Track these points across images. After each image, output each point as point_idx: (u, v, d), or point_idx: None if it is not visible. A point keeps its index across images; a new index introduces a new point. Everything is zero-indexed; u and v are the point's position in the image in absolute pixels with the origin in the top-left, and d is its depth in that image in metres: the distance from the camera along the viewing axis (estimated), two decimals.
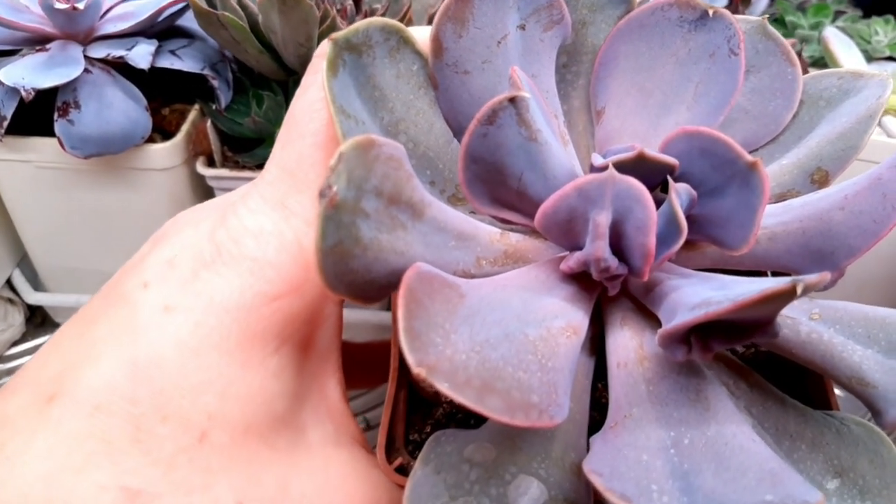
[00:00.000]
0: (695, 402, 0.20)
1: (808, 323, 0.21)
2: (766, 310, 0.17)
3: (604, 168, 0.21)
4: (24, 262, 0.59)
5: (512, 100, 0.19)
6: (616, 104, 0.24)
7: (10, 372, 0.57)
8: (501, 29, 0.23)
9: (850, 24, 0.60)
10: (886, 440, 0.20)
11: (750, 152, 0.26)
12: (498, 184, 0.21)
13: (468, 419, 0.25)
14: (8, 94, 0.44)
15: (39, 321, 0.61)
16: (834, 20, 0.61)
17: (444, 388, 0.16)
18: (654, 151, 0.20)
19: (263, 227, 0.21)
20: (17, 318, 0.59)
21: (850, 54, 0.54)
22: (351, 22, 0.47)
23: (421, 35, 0.23)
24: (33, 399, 0.19)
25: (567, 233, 0.21)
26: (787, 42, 0.27)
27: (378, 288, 0.20)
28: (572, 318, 0.20)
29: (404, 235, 0.20)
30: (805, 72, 0.51)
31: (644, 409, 0.19)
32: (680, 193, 0.20)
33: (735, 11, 0.50)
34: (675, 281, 0.20)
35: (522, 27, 0.23)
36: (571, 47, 0.26)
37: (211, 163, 0.49)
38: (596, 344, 0.22)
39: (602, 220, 0.19)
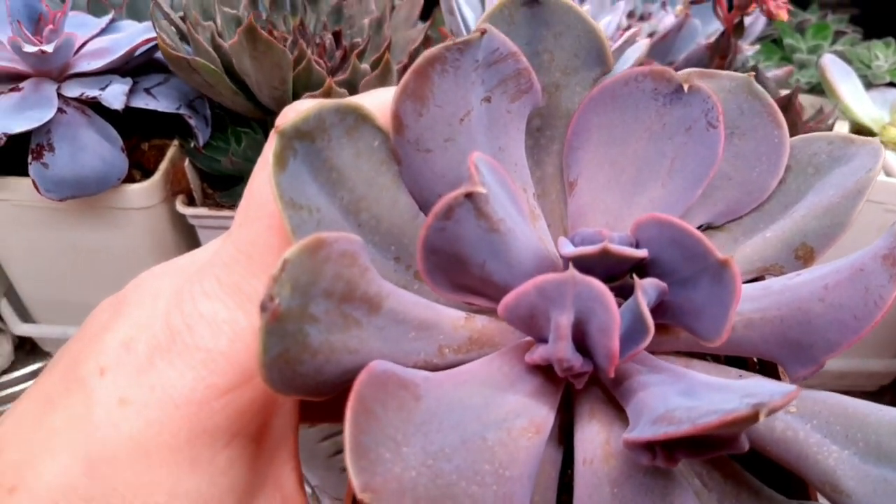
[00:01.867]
0: None
1: (784, 418, 0.20)
2: (728, 431, 0.16)
3: (570, 259, 0.20)
4: (11, 292, 0.59)
5: (469, 195, 0.18)
6: (588, 178, 0.23)
7: (2, 400, 0.57)
8: (464, 105, 0.22)
9: (850, 47, 0.58)
10: None
11: (732, 221, 0.26)
12: (459, 273, 0.20)
13: None
14: None
15: (29, 348, 0.61)
16: (834, 42, 0.60)
17: None
18: (622, 243, 0.19)
19: (217, 314, 0.20)
20: (5, 348, 0.59)
21: (848, 83, 0.52)
22: (330, 58, 0.46)
23: (380, 105, 0.22)
24: None
25: (530, 326, 0.20)
26: (773, 102, 0.26)
27: (332, 386, 0.19)
28: (536, 415, 0.19)
29: (359, 333, 0.19)
30: (795, 99, 0.50)
31: None
32: (647, 290, 0.19)
33: (728, 42, 0.49)
34: (644, 377, 0.20)
35: (488, 99, 0.22)
36: (546, 110, 0.25)
37: (191, 201, 0.48)
38: (565, 432, 0.22)
39: (563, 321, 0.18)
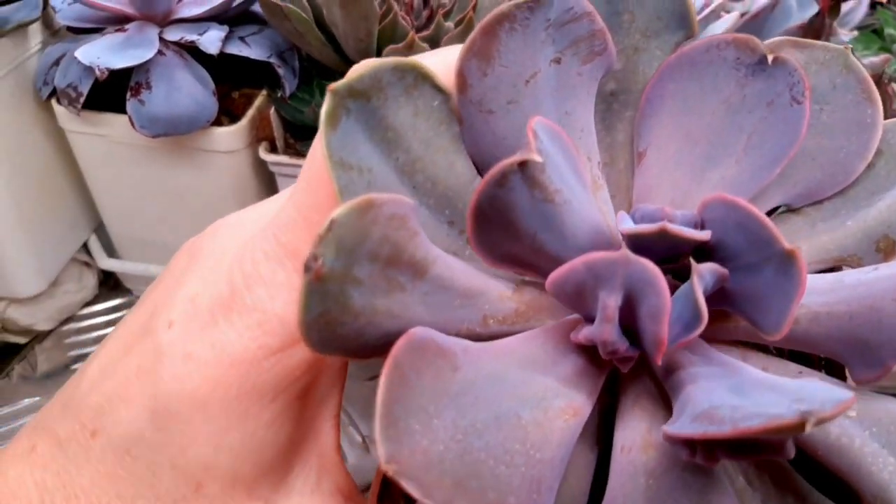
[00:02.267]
0: None
1: (842, 423, 0.19)
2: (772, 438, 0.15)
3: (626, 237, 0.19)
4: (100, 228, 0.62)
5: (522, 163, 0.18)
6: (658, 149, 0.22)
7: (83, 330, 0.61)
8: (531, 66, 0.21)
9: None
10: None
11: (811, 204, 0.24)
12: (509, 242, 0.19)
13: None
14: (85, 72, 0.46)
15: (112, 285, 0.64)
16: None
17: (411, 490, 0.15)
18: (679, 226, 0.18)
19: (275, 275, 0.21)
20: (91, 281, 0.62)
21: None
22: (417, 17, 0.46)
23: (443, 66, 0.21)
24: (80, 428, 0.22)
25: (578, 304, 0.19)
26: (869, 78, 0.23)
27: (373, 349, 0.19)
28: (575, 397, 0.19)
29: (402, 297, 0.19)
30: (887, 84, 0.46)
31: None
32: (704, 276, 0.18)
33: (822, 23, 0.46)
34: (695, 369, 0.19)
35: (557, 61, 0.21)
36: (621, 74, 0.24)
37: (273, 149, 0.50)
38: (605, 418, 0.21)
39: (611, 302, 0.17)
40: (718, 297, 0.19)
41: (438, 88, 0.21)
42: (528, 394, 0.18)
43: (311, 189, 0.21)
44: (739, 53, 0.21)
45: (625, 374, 0.20)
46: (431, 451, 0.16)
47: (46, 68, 0.50)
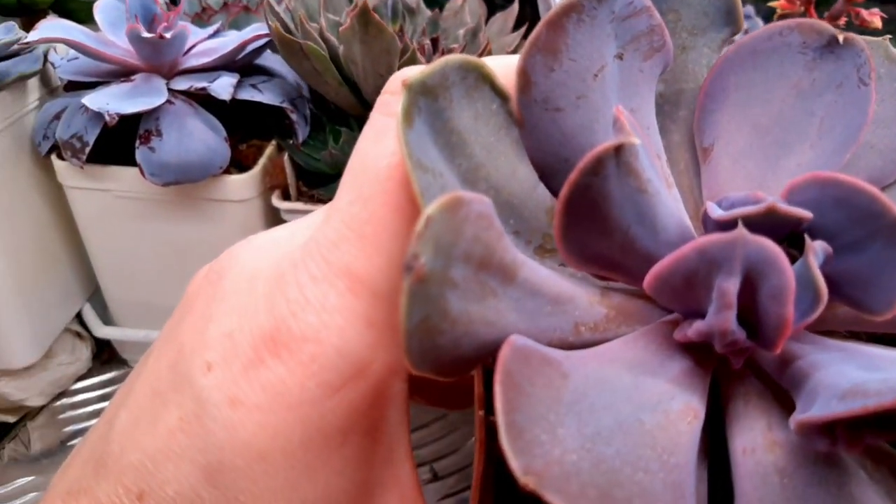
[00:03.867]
0: (837, 498, 0.17)
1: None
2: None
3: (726, 222, 0.18)
4: (95, 296, 0.59)
5: (618, 148, 0.16)
6: (726, 142, 0.22)
7: (76, 406, 0.57)
8: (598, 59, 0.20)
9: None
10: None
11: None
12: (600, 240, 0.18)
13: None
14: (91, 121, 0.45)
15: (106, 357, 0.61)
16: None
17: (556, 501, 0.14)
18: (782, 203, 0.17)
19: (327, 299, 0.19)
20: (84, 353, 0.59)
21: None
22: (429, 61, 0.46)
23: (500, 68, 0.20)
24: (124, 492, 0.19)
25: (683, 298, 0.18)
26: None
27: (465, 363, 0.17)
28: (691, 399, 0.17)
29: (495, 304, 0.17)
30: None
31: None
32: (818, 253, 0.17)
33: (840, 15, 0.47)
34: (814, 356, 0.17)
35: (620, 56, 0.21)
36: (670, 75, 0.23)
37: (286, 196, 0.49)
38: (708, 423, 0.20)
39: (730, 287, 0.16)
40: None
41: (497, 91, 0.20)
42: (644, 398, 0.17)
43: (363, 201, 0.19)
44: (805, 37, 0.21)
45: (728, 374, 0.19)
46: (566, 461, 0.14)
47: (46, 122, 0.49)
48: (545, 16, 0.19)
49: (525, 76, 0.20)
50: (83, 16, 0.52)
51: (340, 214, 0.20)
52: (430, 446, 0.52)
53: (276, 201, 0.49)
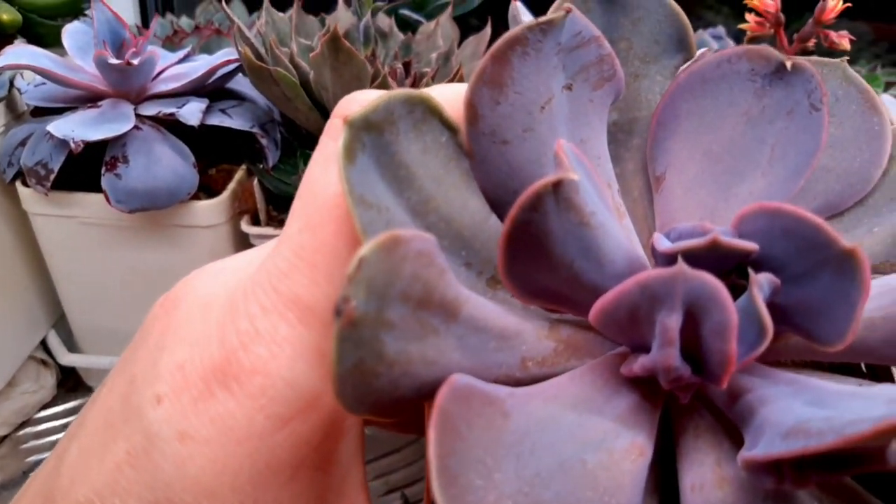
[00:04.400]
0: None
1: None
2: (878, 442, 0.14)
3: (669, 256, 0.18)
4: (60, 323, 0.58)
5: (556, 184, 0.16)
6: (678, 170, 0.21)
7: (40, 435, 0.56)
8: (545, 92, 0.20)
9: None
10: None
11: (834, 216, 0.23)
12: (544, 274, 0.18)
13: None
14: (56, 148, 0.44)
15: (71, 385, 0.60)
16: (886, 91, 0.59)
17: None
18: (728, 237, 0.17)
19: (277, 331, 0.18)
20: (48, 381, 0.58)
21: None
22: (401, 85, 0.45)
23: (448, 99, 0.20)
24: None
25: (629, 332, 0.18)
26: (870, 88, 0.23)
27: (406, 403, 0.17)
28: (637, 435, 0.17)
29: (437, 342, 0.17)
30: None
31: None
32: (762, 287, 0.17)
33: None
34: (762, 390, 0.17)
35: (569, 87, 0.20)
36: (623, 104, 0.23)
37: (255, 221, 0.49)
38: (660, 457, 0.19)
39: (672, 323, 0.16)
40: (770, 314, 0.18)
41: (446, 123, 0.20)
42: (587, 436, 0.17)
43: (312, 229, 0.19)
44: (753, 64, 0.20)
45: (679, 408, 0.19)
46: None
47: (11, 149, 0.48)
48: (491, 48, 0.19)
49: (472, 109, 0.20)
50: (51, 40, 0.51)
51: (290, 243, 0.19)
52: (402, 472, 0.51)
53: (246, 226, 0.48)
